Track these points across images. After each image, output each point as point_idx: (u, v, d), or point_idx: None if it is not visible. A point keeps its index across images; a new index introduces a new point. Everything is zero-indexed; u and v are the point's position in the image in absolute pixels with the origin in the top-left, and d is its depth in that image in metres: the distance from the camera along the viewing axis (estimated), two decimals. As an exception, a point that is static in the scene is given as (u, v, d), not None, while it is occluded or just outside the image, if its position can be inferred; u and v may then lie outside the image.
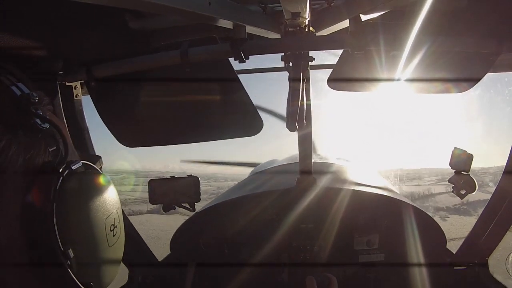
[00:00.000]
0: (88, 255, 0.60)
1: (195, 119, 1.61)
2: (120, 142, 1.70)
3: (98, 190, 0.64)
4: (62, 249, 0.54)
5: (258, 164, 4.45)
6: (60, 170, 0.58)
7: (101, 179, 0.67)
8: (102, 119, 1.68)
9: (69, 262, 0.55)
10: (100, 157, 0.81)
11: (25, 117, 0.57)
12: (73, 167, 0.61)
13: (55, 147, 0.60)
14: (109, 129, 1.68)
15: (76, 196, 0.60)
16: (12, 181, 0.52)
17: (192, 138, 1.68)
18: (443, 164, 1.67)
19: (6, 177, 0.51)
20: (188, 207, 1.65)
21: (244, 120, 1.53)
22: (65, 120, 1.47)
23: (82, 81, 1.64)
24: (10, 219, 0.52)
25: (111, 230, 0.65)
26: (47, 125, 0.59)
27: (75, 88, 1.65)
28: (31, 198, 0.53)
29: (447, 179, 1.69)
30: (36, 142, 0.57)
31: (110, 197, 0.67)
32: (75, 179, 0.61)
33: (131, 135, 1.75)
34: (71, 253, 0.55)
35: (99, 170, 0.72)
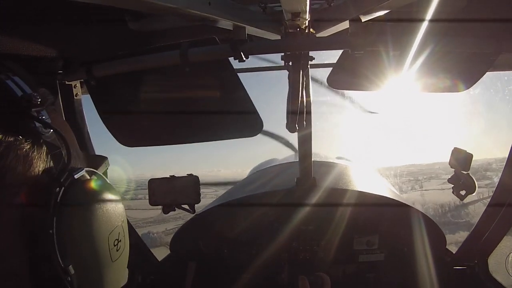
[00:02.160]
0: (90, 271, 0.57)
1: (195, 119, 1.61)
2: (120, 142, 1.70)
3: (102, 201, 0.60)
4: (62, 265, 0.51)
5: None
6: (62, 180, 0.54)
7: (106, 189, 0.63)
8: (101, 118, 1.68)
9: (69, 279, 0.52)
10: (106, 158, 0.77)
11: (25, 121, 0.53)
12: (76, 176, 0.57)
13: (57, 154, 0.56)
14: (108, 128, 1.68)
15: (79, 209, 0.56)
16: (9, 191, 0.48)
17: (192, 138, 1.68)
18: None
19: (2, 187, 0.47)
20: (188, 208, 1.64)
21: (244, 120, 1.53)
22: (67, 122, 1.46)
23: (82, 81, 1.64)
24: (7, 233, 0.48)
25: (114, 245, 0.61)
26: (49, 130, 0.55)
27: (74, 87, 1.65)
28: (30, 210, 0.50)
29: (447, 179, 1.69)
30: (37, 148, 0.53)
31: (115, 208, 0.63)
32: (78, 189, 0.56)
33: (131, 135, 1.75)
34: (71, 269, 0.52)
35: (105, 177, 0.67)
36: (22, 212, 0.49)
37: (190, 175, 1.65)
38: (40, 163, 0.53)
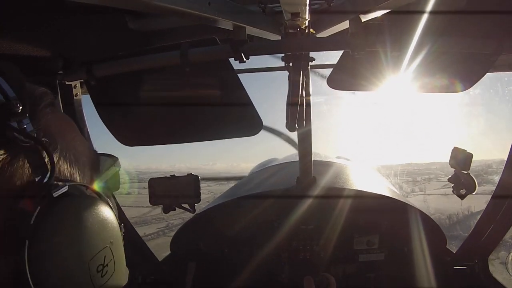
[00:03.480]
0: None
1: (194, 118, 1.61)
2: (120, 141, 1.70)
3: (86, 222, 0.52)
4: None
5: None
6: (39, 199, 0.48)
7: (94, 207, 0.55)
8: (101, 118, 1.68)
9: None
10: (116, 159, 0.70)
11: (4, 133, 0.47)
12: (56, 194, 0.50)
13: (37, 169, 0.50)
14: (108, 128, 1.68)
15: (54, 232, 0.49)
16: None
17: (192, 137, 1.68)
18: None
19: None
20: (188, 208, 1.64)
21: (243, 119, 1.53)
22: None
23: (82, 81, 1.64)
24: None
25: (98, 271, 0.53)
26: (29, 141, 0.49)
27: (74, 87, 1.65)
28: (2, 230, 0.45)
29: (448, 179, 1.69)
30: (15, 161, 0.48)
31: (102, 229, 0.55)
32: (57, 210, 0.49)
33: (131, 134, 1.75)
34: None
35: (98, 191, 0.60)
36: None
37: (190, 174, 1.66)
38: (19, 177, 0.48)
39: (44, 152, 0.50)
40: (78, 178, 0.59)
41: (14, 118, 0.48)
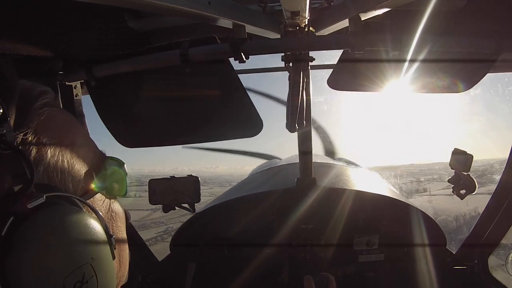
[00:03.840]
0: None
1: (195, 119, 1.61)
2: (120, 143, 1.70)
3: (64, 236, 0.48)
4: None
5: (270, 155, 4.44)
6: (12, 210, 0.44)
7: (76, 219, 0.51)
8: (101, 119, 1.68)
9: None
10: (123, 163, 0.67)
11: None
12: (30, 205, 0.46)
13: (17, 178, 0.46)
14: (108, 129, 1.68)
15: (26, 247, 0.45)
16: None
17: (193, 138, 1.68)
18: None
19: None
20: (188, 208, 1.65)
21: (244, 120, 1.53)
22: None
23: (82, 81, 1.64)
24: None
25: None
26: (7, 149, 0.45)
27: (75, 88, 1.65)
28: None
29: (448, 180, 1.69)
30: None
31: (84, 243, 0.51)
32: (32, 221, 0.46)
33: (131, 135, 1.75)
34: None
35: (86, 202, 0.56)
36: None
37: (190, 175, 1.66)
38: None
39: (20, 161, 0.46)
40: (71, 185, 0.55)
41: None
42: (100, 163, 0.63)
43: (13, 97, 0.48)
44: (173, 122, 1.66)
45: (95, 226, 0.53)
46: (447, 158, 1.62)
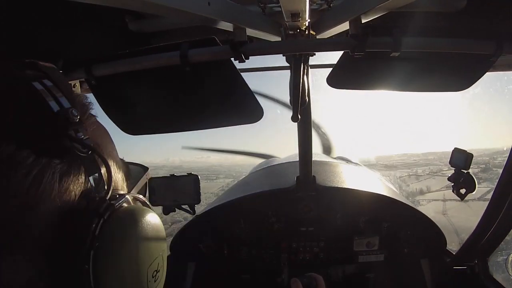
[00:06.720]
0: None
1: (194, 106, 1.60)
2: (122, 130, 1.68)
3: (145, 232, 0.53)
4: None
5: (269, 155, 4.46)
6: (101, 211, 0.47)
7: (149, 216, 0.55)
8: (102, 108, 1.67)
9: None
10: (147, 168, 0.69)
11: (61, 140, 0.46)
12: (117, 205, 0.50)
13: (96, 178, 0.50)
14: (109, 117, 1.66)
15: (119, 243, 0.49)
16: (42, 218, 0.42)
17: (193, 125, 1.66)
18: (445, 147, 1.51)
19: (35, 213, 0.41)
20: (188, 209, 1.65)
21: (244, 107, 1.52)
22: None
23: (82, 80, 1.64)
24: (38, 265, 0.42)
25: (153, 277, 0.56)
26: (87, 150, 0.49)
27: (74, 87, 1.64)
28: (64, 241, 0.44)
29: (447, 178, 1.69)
30: (73, 171, 0.47)
31: (157, 238, 0.56)
32: (119, 221, 0.50)
33: (133, 123, 1.73)
34: None
35: (147, 202, 0.61)
36: (55, 241, 0.43)
37: (190, 174, 1.66)
38: (77, 187, 0.47)
39: (98, 161, 0.51)
40: (126, 188, 0.60)
41: (72, 127, 0.47)
42: (128, 168, 0.67)
43: (76, 105, 0.51)
44: (173, 109, 1.65)
45: (160, 222, 0.59)
46: (440, 147, 1.59)
